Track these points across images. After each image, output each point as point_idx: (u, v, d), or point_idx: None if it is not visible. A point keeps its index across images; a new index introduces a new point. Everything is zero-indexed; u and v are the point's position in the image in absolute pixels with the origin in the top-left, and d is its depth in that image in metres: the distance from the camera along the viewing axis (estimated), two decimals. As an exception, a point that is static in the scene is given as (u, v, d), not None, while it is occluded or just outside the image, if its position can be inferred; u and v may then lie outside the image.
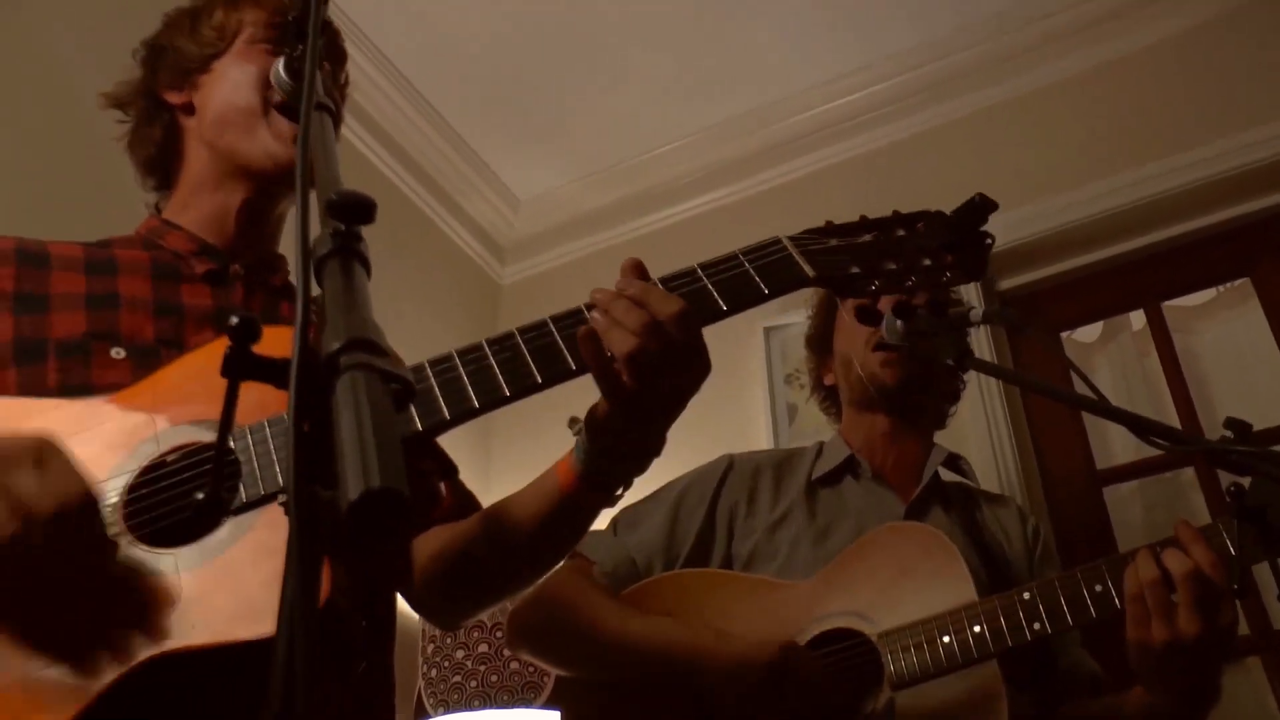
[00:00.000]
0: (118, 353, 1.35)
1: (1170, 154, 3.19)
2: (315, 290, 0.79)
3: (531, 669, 2.78)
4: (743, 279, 1.30)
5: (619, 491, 1.38)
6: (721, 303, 1.28)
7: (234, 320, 0.70)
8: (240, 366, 0.69)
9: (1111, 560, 1.68)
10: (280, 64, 1.44)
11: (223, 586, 1.09)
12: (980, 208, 1.36)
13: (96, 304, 1.40)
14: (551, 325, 1.25)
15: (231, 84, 1.56)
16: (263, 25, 1.60)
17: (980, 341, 3.09)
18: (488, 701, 2.77)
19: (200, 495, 0.69)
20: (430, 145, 4.02)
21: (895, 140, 3.80)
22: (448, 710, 2.79)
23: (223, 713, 1.11)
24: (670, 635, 1.81)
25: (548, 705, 2.73)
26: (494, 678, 2.80)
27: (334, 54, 1.69)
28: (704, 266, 1.31)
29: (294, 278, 1.65)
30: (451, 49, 3.75)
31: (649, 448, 1.32)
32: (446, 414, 1.17)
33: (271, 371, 0.70)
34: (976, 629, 1.68)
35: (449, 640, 2.89)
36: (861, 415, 2.23)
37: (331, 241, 0.73)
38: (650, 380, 1.21)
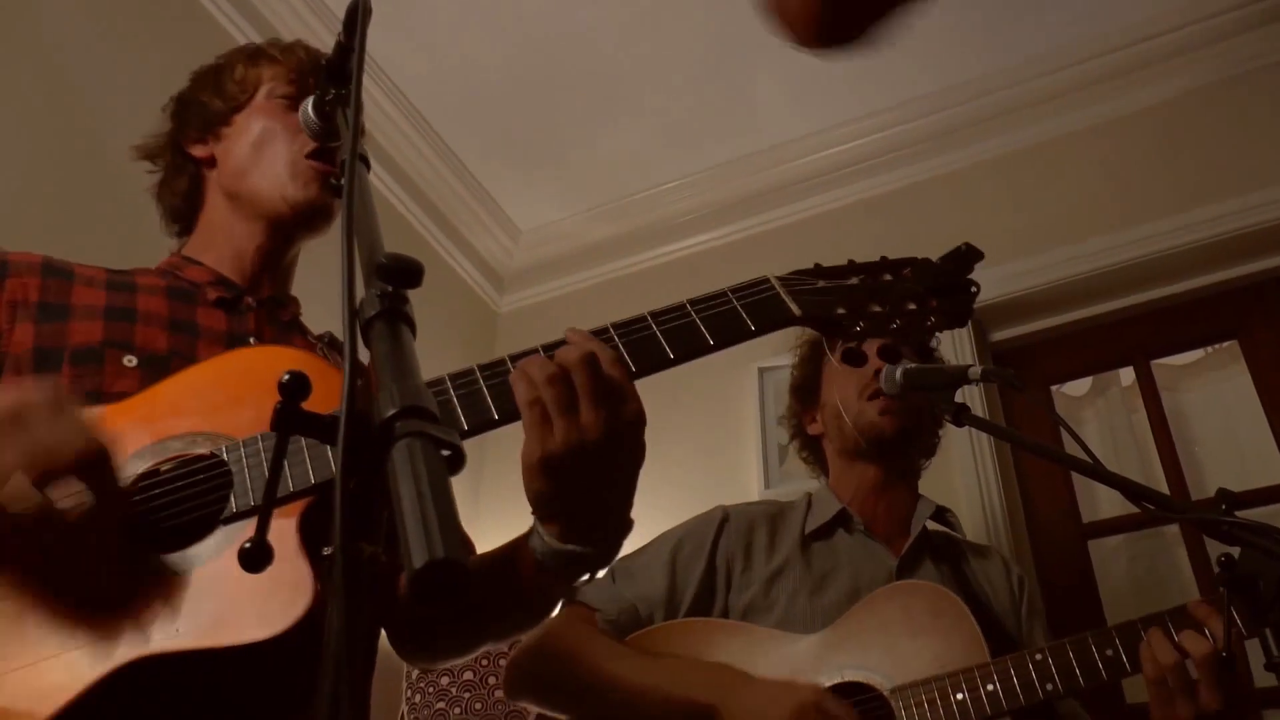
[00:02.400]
0: (130, 360, 1.39)
1: (1164, 215, 3.25)
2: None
3: (517, 700, 2.79)
4: (730, 315, 1.34)
5: (584, 579, 1.33)
6: (709, 337, 1.31)
7: (285, 376, 0.72)
8: (290, 422, 0.72)
9: (1122, 626, 1.74)
10: (309, 105, 1.47)
11: (209, 593, 1.11)
12: (966, 256, 1.40)
13: (114, 315, 1.44)
14: (478, 374, 1.26)
15: (251, 135, 1.63)
16: (283, 80, 1.68)
17: (972, 395, 3.13)
18: (471, 730, 2.78)
19: (247, 545, 0.71)
20: (434, 173, 4.05)
21: (892, 189, 3.85)
22: (431, 738, 2.80)
23: (203, 716, 1.13)
24: (690, 679, 1.82)
25: (533, 737, 2.73)
26: (478, 705, 2.80)
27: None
28: (693, 302, 1.35)
29: (305, 318, 1.70)
30: (461, 81, 3.79)
31: (598, 532, 1.27)
32: None
33: (320, 428, 0.72)
34: (990, 687, 1.73)
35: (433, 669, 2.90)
36: (852, 465, 2.26)
37: (379, 304, 0.76)
38: (559, 432, 1.17)
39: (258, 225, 1.62)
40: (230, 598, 1.11)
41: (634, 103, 3.86)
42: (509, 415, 1.22)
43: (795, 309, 1.36)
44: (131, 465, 1.22)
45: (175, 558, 1.15)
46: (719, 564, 2.08)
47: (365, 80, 1.07)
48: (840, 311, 1.38)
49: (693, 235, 4.16)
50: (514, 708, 2.79)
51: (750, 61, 3.70)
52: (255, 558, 0.71)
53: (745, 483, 3.28)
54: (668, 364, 1.30)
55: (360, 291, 0.78)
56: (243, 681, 1.12)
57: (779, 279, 1.39)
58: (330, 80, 1.31)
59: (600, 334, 1.30)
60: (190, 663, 1.07)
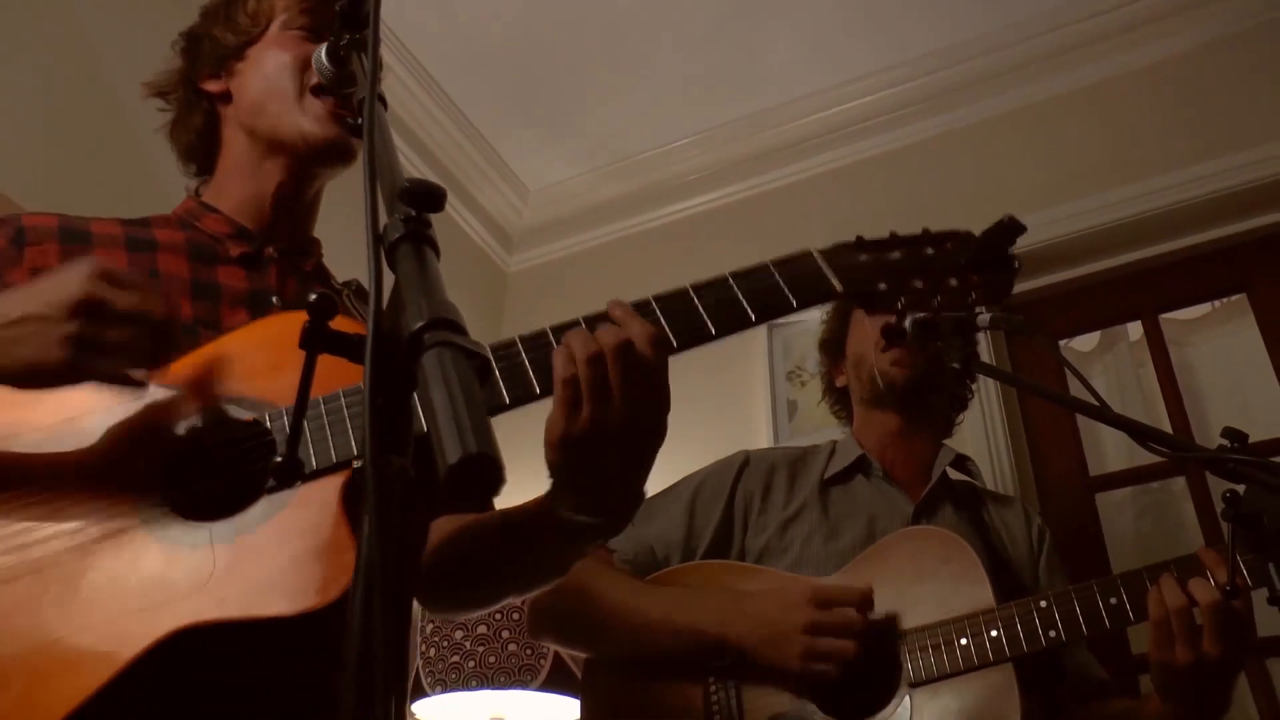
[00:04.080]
0: None
1: (1171, 170, 3.25)
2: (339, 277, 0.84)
3: (529, 651, 2.82)
4: (772, 289, 1.33)
5: (588, 546, 1.36)
6: (750, 312, 1.31)
7: (313, 297, 0.74)
8: (319, 340, 0.74)
9: (1127, 575, 1.77)
10: (322, 51, 1.46)
11: (254, 562, 1.12)
12: (1009, 230, 1.38)
13: None
14: (519, 345, 1.27)
15: (266, 69, 1.59)
16: (296, 11, 1.63)
17: (980, 349, 3.14)
18: (485, 682, 2.80)
19: (278, 458, 0.73)
20: (443, 133, 4.05)
21: (903, 145, 3.85)
22: (445, 690, 2.82)
23: (249, 684, 1.14)
24: (698, 600, 1.88)
25: (546, 688, 2.77)
26: (491, 659, 2.83)
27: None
28: (735, 275, 1.34)
29: (326, 261, 1.69)
30: (469, 39, 3.78)
31: (609, 506, 1.29)
32: None
33: (347, 346, 0.74)
34: (994, 633, 1.76)
35: (448, 621, 2.93)
36: (872, 414, 2.29)
37: (403, 227, 0.77)
38: (586, 413, 1.19)
39: (277, 162, 1.59)
40: (276, 567, 1.11)
41: (643, 61, 3.85)
42: (550, 389, 1.22)
43: (837, 283, 1.35)
44: (180, 430, 1.23)
45: (220, 525, 1.15)
46: (737, 507, 2.11)
47: (372, 40, 1.07)
48: (881, 286, 1.38)
49: (703, 193, 4.16)
50: (527, 661, 2.82)
51: (759, 18, 3.69)
52: (286, 471, 0.73)
53: (755, 438, 3.29)
54: (708, 339, 1.30)
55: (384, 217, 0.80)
56: (287, 649, 1.13)
57: (820, 252, 1.38)
58: (344, 25, 1.31)
59: (642, 307, 1.29)
60: (236, 631, 1.08)
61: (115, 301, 1.11)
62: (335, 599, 1.07)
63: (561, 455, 1.21)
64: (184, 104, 1.68)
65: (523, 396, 1.23)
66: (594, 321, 1.26)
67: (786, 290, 1.33)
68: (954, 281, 1.40)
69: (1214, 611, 1.64)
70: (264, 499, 1.17)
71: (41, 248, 1.41)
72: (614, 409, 1.18)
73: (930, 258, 1.42)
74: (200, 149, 1.68)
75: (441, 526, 1.53)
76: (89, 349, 1.10)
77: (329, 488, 1.16)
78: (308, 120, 1.55)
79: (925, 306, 1.39)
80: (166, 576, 1.11)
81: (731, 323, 1.30)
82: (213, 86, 1.65)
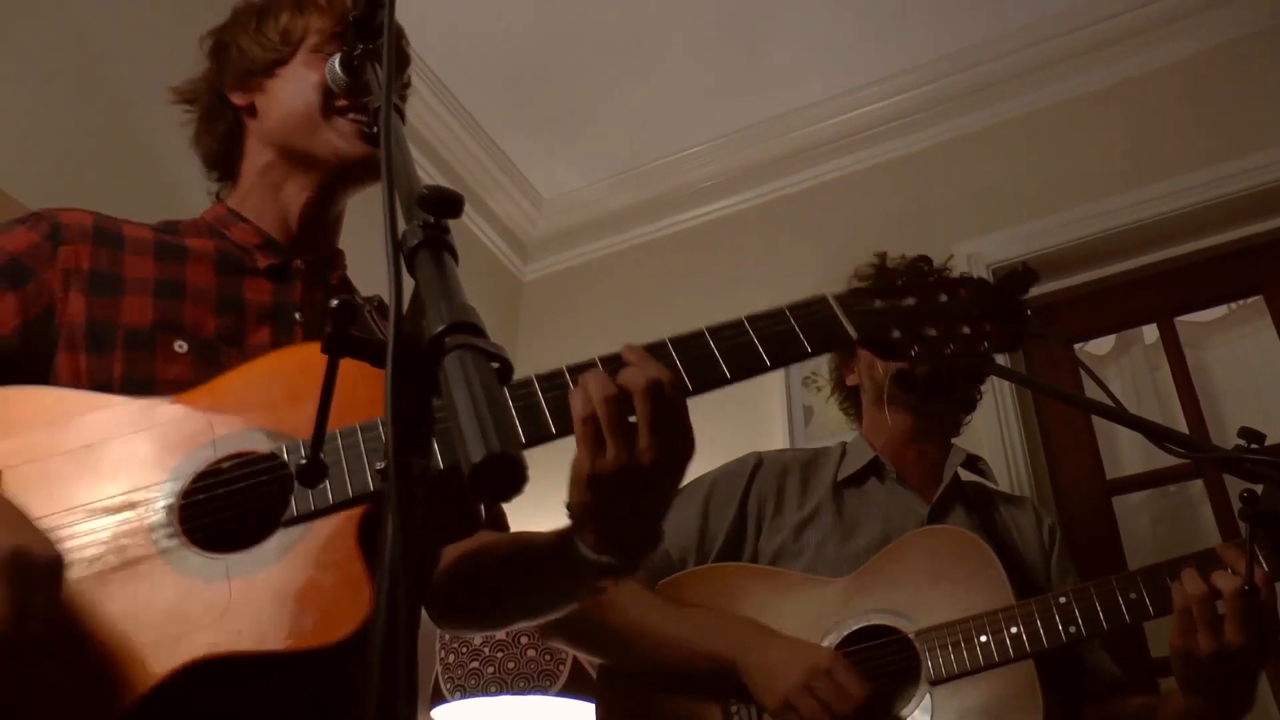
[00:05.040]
0: (180, 346, 1.39)
1: (1186, 172, 3.24)
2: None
3: (548, 657, 2.83)
4: (788, 336, 1.33)
5: (602, 584, 1.35)
6: (766, 358, 1.31)
7: (334, 302, 0.75)
8: (341, 346, 0.75)
9: (1146, 570, 1.77)
10: (336, 60, 1.47)
11: (270, 596, 1.13)
12: (1021, 280, 1.40)
13: (164, 292, 1.44)
14: (535, 385, 1.25)
15: (298, 89, 1.59)
16: (326, 36, 1.62)
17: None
18: (504, 688, 2.81)
19: (302, 460, 0.74)
20: (457, 142, 4.07)
21: (916, 150, 3.85)
22: (464, 695, 2.84)
23: (263, 716, 1.15)
24: (714, 630, 1.87)
25: (565, 693, 2.78)
26: (510, 664, 2.84)
27: (398, 57, 1.73)
28: (751, 320, 1.34)
29: (350, 274, 1.70)
30: (481, 48, 3.80)
31: (629, 546, 1.29)
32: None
33: (368, 351, 0.75)
34: (1013, 630, 1.76)
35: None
36: (883, 414, 2.29)
37: (422, 233, 0.78)
38: (611, 453, 1.18)
39: (307, 180, 1.59)
40: (291, 602, 1.12)
41: (654, 68, 3.86)
42: (566, 430, 1.22)
43: (852, 331, 1.36)
44: (193, 459, 1.23)
45: (237, 558, 1.15)
46: (750, 509, 2.12)
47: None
48: (895, 335, 1.39)
49: (714, 201, 4.17)
50: (545, 667, 2.83)
51: (769, 25, 3.70)
52: (309, 474, 0.74)
53: (771, 444, 3.26)
54: (724, 383, 1.29)
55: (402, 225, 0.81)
56: (300, 683, 1.14)
57: (835, 298, 1.39)
58: (358, 36, 1.31)
59: (657, 349, 1.29)
60: (250, 664, 1.08)
61: None
62: (349, 635, 1.08)
63: (587, 495, 1.22)
64: (208, 112, 1.68)
65: (537, 436, 1.22)
66: (609, 362, 1.26)
67: (802, 337, 1.34)
68: (966, 329, 1.41)
69: (1237, 599, 1.64)
70: (280, 533, 1.17)
71: (74, 248, 1.42)
72: (641, 449, 1.18)
73: (943, 305, 1.42)
74: (223, 157, 1.69)
75: (453, 551, 1.53)
76: None
77: (345, 523, 1.17)
78: (339, 138, 1.56)
79: (938, 354, 1.40)
80: (183, 608, 1.12)
81: (747, 368, 1.30)
82: (239, 99, 1.65)
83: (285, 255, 1.57)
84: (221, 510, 1.20)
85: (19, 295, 1.36)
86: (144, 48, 2.67)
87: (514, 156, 4.25)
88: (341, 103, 1.54)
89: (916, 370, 1.40)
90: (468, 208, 4.00)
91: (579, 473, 1.21)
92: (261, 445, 1.24)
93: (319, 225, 1.64)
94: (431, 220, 0.79)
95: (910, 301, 1.42)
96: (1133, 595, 1.74)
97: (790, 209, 3.98)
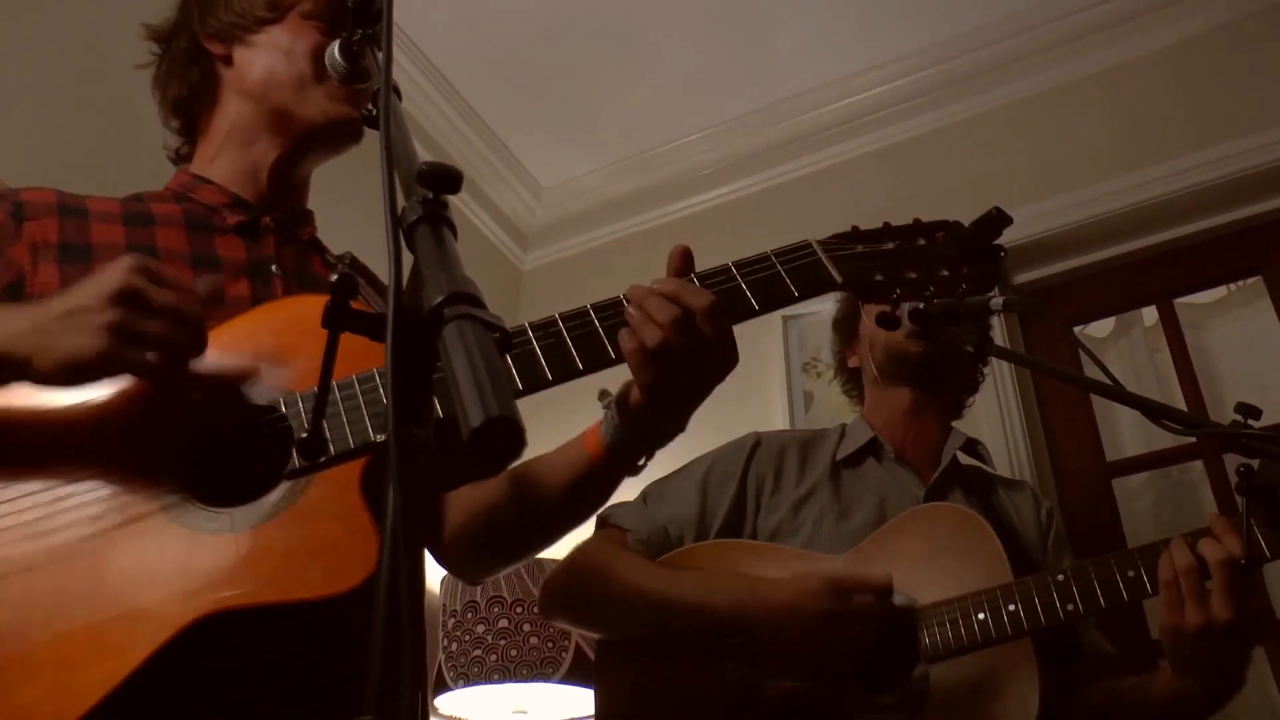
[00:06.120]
0: None
1: (1184, 153, 3.25)
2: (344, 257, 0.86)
3: (550, 644, 2.84)
4: (774, 280, 1.35)
5: (642, 462, 1.44)
6: (753, 301, 1.33)
7: (334, 277, 0.76)
8: (341, 320, 0.75)
9: (1145, 548, 1.76)
10: (335, 47, 1.48)
11: (276, 548, 1.13)
12: (996, 220, 1.42)
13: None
14: (593, 314, 1.29)
15: (284, 52, 1.58)
16: (322, 6, 1.61)
17: (993, 333, 3.14)
18: (507, 675, 2.82)
19: (303, 435, 0.75)
20: (456, 132, 4.08)
21: (913, 135, 3.85)
22: (468, 683, 2.85)
23: (265, 668, 1.15)
24: (711, 585, 1.87)
25: (568, 680, 2.78)
26: (513, 652, 2.85)
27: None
28: (738, 265, 1.36)
29: (321, 233, 1.69)
30: (480, 37, 3.80)
31: (674, 429, 1.38)
32: None
33: (368, 324, 0.76)
34: (1011, 607, 1.76)
35: (469, 615, 2.95)
36: (884, 392, 2.30)
37: (421, 209, 0.79)
38: (680, 371, 1.26)
39: (282, 138, 1.59)
40: (298, 553, 1.13)
41: (653, 56, 3.86)
42: (593, 366, 1.27)
43: (836, 275, 1.38)
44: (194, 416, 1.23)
45: (241, 512, 1.16)
46: (749, 487, 2.12)
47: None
48: (878, 278, 1.41)
49: (715, 188, 4.18)
50: (549, 654, 2.84)
51: (767, 12, 3.70)
52: (311, 448, 0.74)
53: (772, 428, 3.29)
54: None
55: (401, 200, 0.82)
56: (304, 635, 1.14)
57: (820, 243, 1.41)
58: (356, 22, 1.32)
59: None
60: (257, 616, 1.09)
61: (153, 295, 1.13)
62: (358, 585, 1.08)
63: (652, 369, 1.27)
64: (181, 55, 1.66)
65: (571, 372, 1.26)
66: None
67: (788, 280, 1.36)
68: (945, 272, 1.43)
69: (1224, 569, 1.63)
70: (282, 485, 1.18)
71: (40, 222, 1.41)
72: (696, 329, 1.25)
73: (923, 249, 1.45)
74: (189, 105, 1.67)
75: (463, 499, 1.57)
76: (126, 339, 1.11)
77: (347, 474, 1.18)
78: (327, 100, 1.56)
79: (919, 296, 1.42)
80: (190, 563, 1.12)
81: (737, 312, 1.32)
82: (216, 48, 1.63)
83: (254, 213, 1.57)
84: (223, 464, 1.21)
85: None
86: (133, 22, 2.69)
87: (512, 145, 4.25)
88: (329, 74, 1.54)
89: (896, 312, 1.41)
90: (467, 197, 4.03)
91: (639, 349, 1.26)
92: (260, 399, 1.25)
93: (288, 184, 1.63)
94: (430, 196, 0.79)
95: (890, 246, 1.45)
96: (1131, 573, 1.74)
97: (790, 196, 3.99)
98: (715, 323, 1.27)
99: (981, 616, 1.76)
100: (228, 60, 1.63)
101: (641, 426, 1.37)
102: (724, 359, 1.29)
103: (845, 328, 2.47)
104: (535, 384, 1.24)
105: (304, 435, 0.75)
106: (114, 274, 1.13)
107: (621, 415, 1.37)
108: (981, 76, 3.77)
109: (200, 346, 1.18)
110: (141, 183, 1.63)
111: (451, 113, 4.03)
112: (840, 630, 1.72)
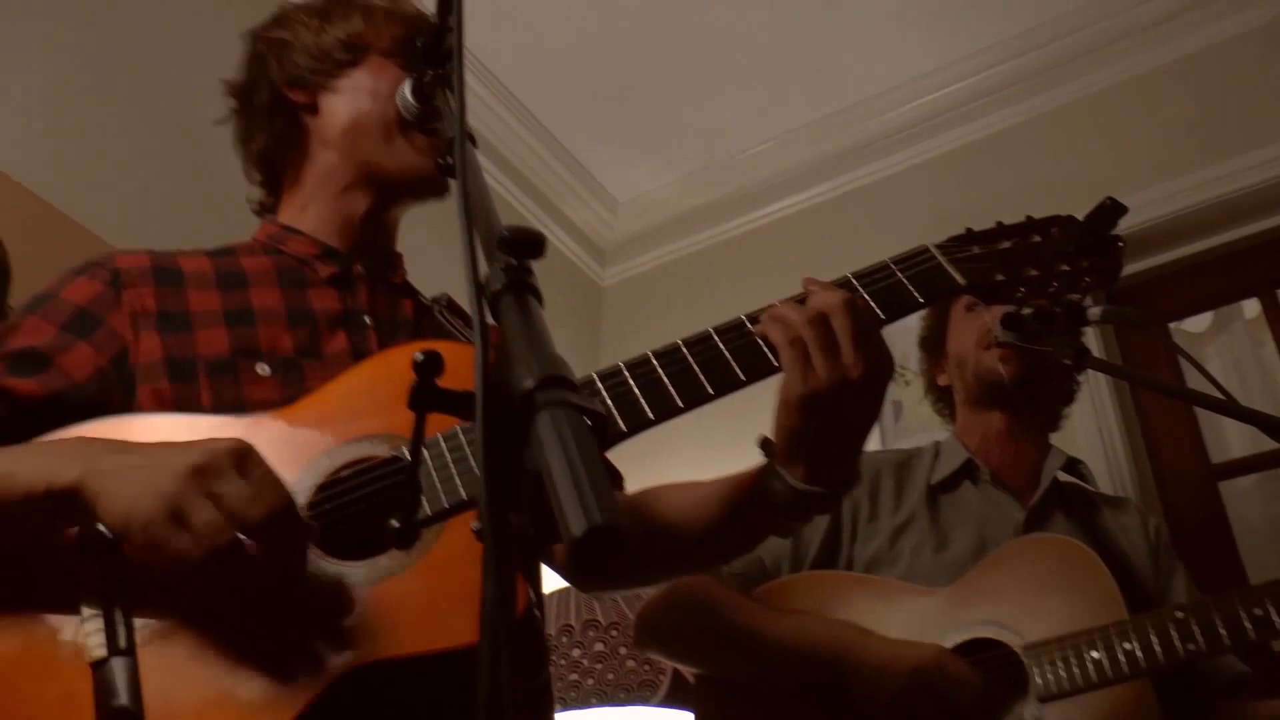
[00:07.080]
0: (262, 369, 1.37)
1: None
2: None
3: (648, 667, 2.81)
4: (897, 288, 1.31)
5: (799, 520, 1.34)
6: (880, 312, 1.29)
7: (418, 356, 0.73)
8: (427, 399, 0.73)
9: (1271, 585, 1.67)
10: (407, 87, 1.47)
11: (417, 596, 1.12)
12: (1111, 211, 1.36)
13: (235, 320, 1.42)
14: (717, 338, 1.27)
15: (369, 96, 1.56)
16: (400, 42, 1.59)
17: (1088, 337, 3.06)
18: (604, 699, 2.81)
19: (395, 523, 0.72)
20: (528, 149, 4.08)
21: (994, 132, 3.78)
22: (565, 708, 2.83)
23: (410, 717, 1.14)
24: (813, 633, 1.83)
25: (666, 703, 2.76)
26: (610, 676, 2.83)
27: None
28: (858, 276, 1.32)
29: (414, 280, 1.67)
30: (547, 54, 3.80)
31: (838, 475, 1.28)
32: (622, 426, 1.20)
33: (456, 404, 0.73)
34: (1127, 645, 1.68)
35: (565, 639, 2.94)
36: (977, 414, 2.23)
37: (505, 276, 0.76)
38: (822, 369, 1.20)
39: (371, 189, 1.57)
40: (439, 602, 1.11)
41: (721, 66, 3.84)
42: (755, 375, 1.24)
43: (959, 278, 1.34)
44: (312, 470, 1.22)
45: (371, 564, 1.14)
46: (844, 514, 2.07)
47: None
48: (999, 278, 1.37)
49: (789, 196, 4.14)
50: (646, 677, 2.82)
51: (832, 18, 3.67)
52: (405, 537, 0.72)
53: (862, 441, 3.25)
54: None
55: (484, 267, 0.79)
56: (441, 687, 1.12)
57: (938, 247, 1.37)
58: (427, 62, 1.29)
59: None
60: (409, 669, 1.08)
61: (220, 491, 1.04)
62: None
63: (798, 418, 1.22)
64: (264, 108, 1.63)
65: (702, 398, 1.23)
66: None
67: (911, 288, 1.32)
68: (1065, 267, 1.39)
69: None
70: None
71: (137, 290, 1.40)
72: (848, 363, 1.20)
73: (1039, 245, 1.41)
74: (273, 156, 1.65)
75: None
76: (175, 520, 1.02)
77: (467, 526, 1.16)
78: (413, 153, 1.54)
79: (1042, 294, 1.38)
80: (327, 618, 1.10)
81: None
82: (299, 96, 1.60)
83: (345, 262, 1.55)
84: (349, 518, 1.19)
85: (90, 343, 1.34)
86: (171, 30, 2.73)
87: (586, 161, 4.25)
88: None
89: (1022, 311, 1.37)
90: (543, 215, 4.04)
91: (791, 395, 1.21)
92: (378, 451, 1.23)
93: (378, 231, 1.62)
94: (514, 263, 0.77)
95: (1006, 245, 1.41)
96: (1258, 611, 1.64)
97: (865, 200, 3.94)
98: (861, 326, 1.21)
99: (1096, 655, 1.69)
100: (312, 109, 1.60)
101: (804, 470, 1.26)
102: (884, 364, 1.23)
103: (932, 345, 2.40)
104: (666, 412, 1.23)
105: (395, 525, 0.72)
106: (197, 451, 1.07)
107: (782, 463, 1.28)
108: (1055, 70, 3.69)
109: (241, 565, 1.05)
110: (225, 234, 1.63)
111: (524, 131, 4.03)
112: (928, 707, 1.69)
